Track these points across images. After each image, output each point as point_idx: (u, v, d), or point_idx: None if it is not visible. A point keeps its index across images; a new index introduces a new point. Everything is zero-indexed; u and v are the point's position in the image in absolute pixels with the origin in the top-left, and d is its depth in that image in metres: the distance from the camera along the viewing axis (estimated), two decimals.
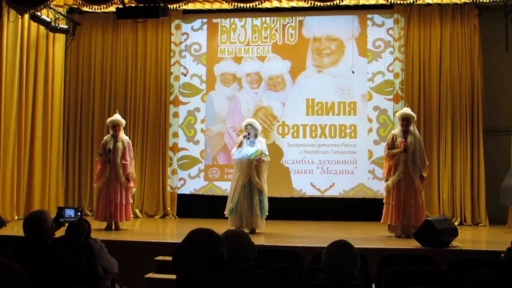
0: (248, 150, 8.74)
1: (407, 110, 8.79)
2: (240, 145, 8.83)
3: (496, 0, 9.49)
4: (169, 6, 8.69)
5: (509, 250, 4.08)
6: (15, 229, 8.87)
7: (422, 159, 8.55)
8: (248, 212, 8.63)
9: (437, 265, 5.21)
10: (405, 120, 8.60)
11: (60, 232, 5.17)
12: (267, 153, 8.89)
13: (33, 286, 3.75)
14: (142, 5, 8.17)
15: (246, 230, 8.41)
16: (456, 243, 7.40)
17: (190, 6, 10.40)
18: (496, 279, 3.52)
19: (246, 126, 8.93)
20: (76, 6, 10.47)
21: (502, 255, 5.06)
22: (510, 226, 9.97)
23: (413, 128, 8.67)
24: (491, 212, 10.48)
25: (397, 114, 9.00)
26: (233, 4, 9.49)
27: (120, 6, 8.55)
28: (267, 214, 8.89)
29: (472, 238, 9.06)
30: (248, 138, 8.80)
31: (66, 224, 5.21)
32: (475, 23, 10.82)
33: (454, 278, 4.34)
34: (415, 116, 8.79)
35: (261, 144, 8.82)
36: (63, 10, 10.82)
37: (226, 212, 8.83)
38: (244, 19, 11.57)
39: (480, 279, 3.79)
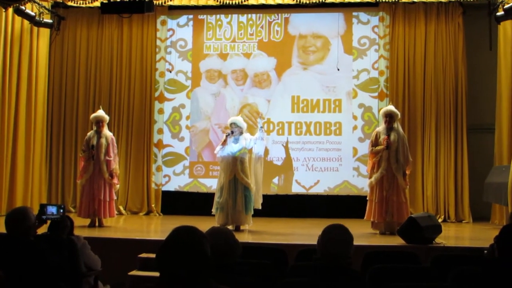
0: (232, 147, 8.73)
1: (390, 107, 8.83)
2: (224, 143, 8.81)
3: None
4: (154, 1, 8.67)
5: (492, 246, 4.11)
6: None
7: (406, 156, 8.57)
8: (232, 208, 8.62)
9: (421, 262, 5.22)
10: (389, 117, 8.62)
11: (43, 229, 5.13)
12: (250, 146, 8.83)
13: (16, 283, 3.72)
14: (127, 0, 8.12)
15: (231, 227, 8.41)
16: (440, 240, 7.44)
17: (176, 2, 10.40)
18: (479, 275, 3.54)
19: (230, 125, 8.91)
20: (61, 1, 10.43)
21: (485, 251, 5.09)
22: (493, 223, 10.05)
23: (397, 125, 8.69)
24: (474, 209, 10.57)
25: (380, 112, 9.04)
26: (219, 0, 9.48)
27: (105, 1, 8.50)
28: (257, 208, 8.88)
29: (455, 235, 9.12)
30: (231, 135, 8.77)
31: (49, 221, 5.17)
32: (459, 22, 10.89)
33: (437, 275, 4.36)
34: (398, 113, 8.82)
35: (246, 141, 8.79)
36: (47, 5, 10.74)
37: (213, 210, 8.82)
38: (230, 15, 11.55)
39: (463, 275, 3.81)
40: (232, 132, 8.78)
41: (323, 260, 3.45)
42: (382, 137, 8.54)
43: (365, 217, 8.69)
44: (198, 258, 2.44)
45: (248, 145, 8.81)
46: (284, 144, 11.27)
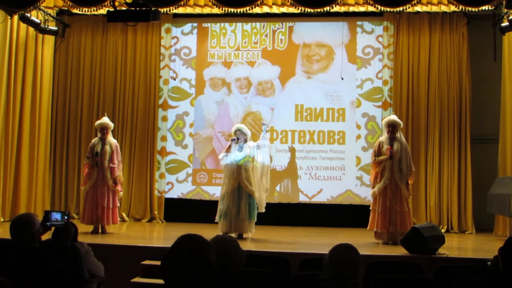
0: (236, 155, 8.74)
1: (393, 117, 8.82)
2: (228, 149, 8.82)
3: (484, 9, 9.56)
4: (160, 10, 8.67)
5: (496, 258, 4.10)
6: (0, 231, 8.80)
7: (409, 166, 8.57)
8: (236, 216, 8.62)
9: (424, 273, 5.22)
10: (391, 127, 8.62)
11: (47, 235, 5.14)
12: (254, 154, 8.84)
13: None
14: (133, 8, 8.14)
15: (234, 235, 8.42)
16: (443, 251, 7.43)
17: (181, 10, 10.40)
18: (483, 287, 3.53)
19: (235, 132, 8.93)
20: (66, 8, 10.43)
21: (489, 263, 5.08)
22: (497, 234, 10.02)
23: (399, 135, 8.69)
24: (477, 220, 10.54)
25: (383, 121, 9.04)
26: (223, 9, 9.49)
27: (111, 9, 8.52)
28: (261, 211, 8.85)
29: (458, 246, 9.10)
30: (237, 142, 8.79)
31: (53, 228, 5.18)
32: (464, 32, 10.90)
33: (441, 286, 4.36)
34: (401, 123, 8.81)
35: (249, 149, 8.81)
36: (52, 12, 10.77)
37: (216, 218, 8.81)
38: (234, 24, 11.58)
39: (467, 287, 3.81)
40: (238, 139, 8.80)
41: (329, 282, 3.38)
42: (385, 147, 8.54)
43: (368, 227, 8.67)
44: (203, 266, 2.44)
45: (252, 153, 8.82)
46: (289, 150, 11.25)
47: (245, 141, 8.86)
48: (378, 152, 8.64)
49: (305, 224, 10.75)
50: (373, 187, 8.67)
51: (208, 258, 2.46)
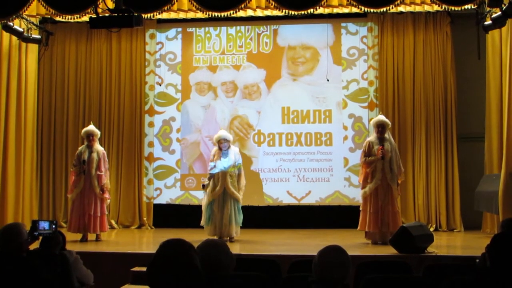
0: (223, 162, 8.77)
1: (382, 117, 8.84)
2: (213, 159, 8.88)
3: (467, 8, 9.61)
4: (143, 15, 8.65)
5: (483, 255, 4.11)
6: None
7: (398, 166, 8.60)
8: (220, 221, 8.65)
9: (413, 271, 5.24)
10: (380, 127, 8.65)
11: (35, 245, 5.11)
12: (240, 161, 8.92)
13: None
14: (115, 15, 8.11)
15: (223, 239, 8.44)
16: (432, 249, 7.46)
17: (165, 15, 10.38)
18: (471, 284, 3.54)
19: (219, 141, 8.93)
20: (49, 16, 10.36)
21: (477, 260, 5.10)
22: (485, 232, 10.08)
23: (388, 135, 8.72)
24: (465, 218, 10.60)
25: (372, 122, 9.05)
26: (207, 13, 9.49)
27: (94, 16, 8.49)
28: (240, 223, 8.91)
29: (447, 244, 9.13)
30: (207, 187, 8.85)
31: (40, 237, 5.15)
32: (447, 31, 10.96)
33: (429, 284, 4.37)
34: (389, 123, 8.84)
35: (234, 155, 8.85)
36: (35, 20, 10.70)
37: (202, 223, 8.82)
38: (218, 28, 11.58)
39: (455, 285, 3.82)
40: (221, 149, 8.83)
41: (319, 284, 3.39)
42: (376, 147, 8.53)
43: (358, 227, 8.67)
44: (188, 270, 2.44)
45: (237, 160, 8.86)
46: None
47: (229, 147, 8.91)
48: (368, 152, 8.62)
49: (294, 226, 10.76)
50: (363, 188, 8.64)
51: (193, 261, 2.46)
